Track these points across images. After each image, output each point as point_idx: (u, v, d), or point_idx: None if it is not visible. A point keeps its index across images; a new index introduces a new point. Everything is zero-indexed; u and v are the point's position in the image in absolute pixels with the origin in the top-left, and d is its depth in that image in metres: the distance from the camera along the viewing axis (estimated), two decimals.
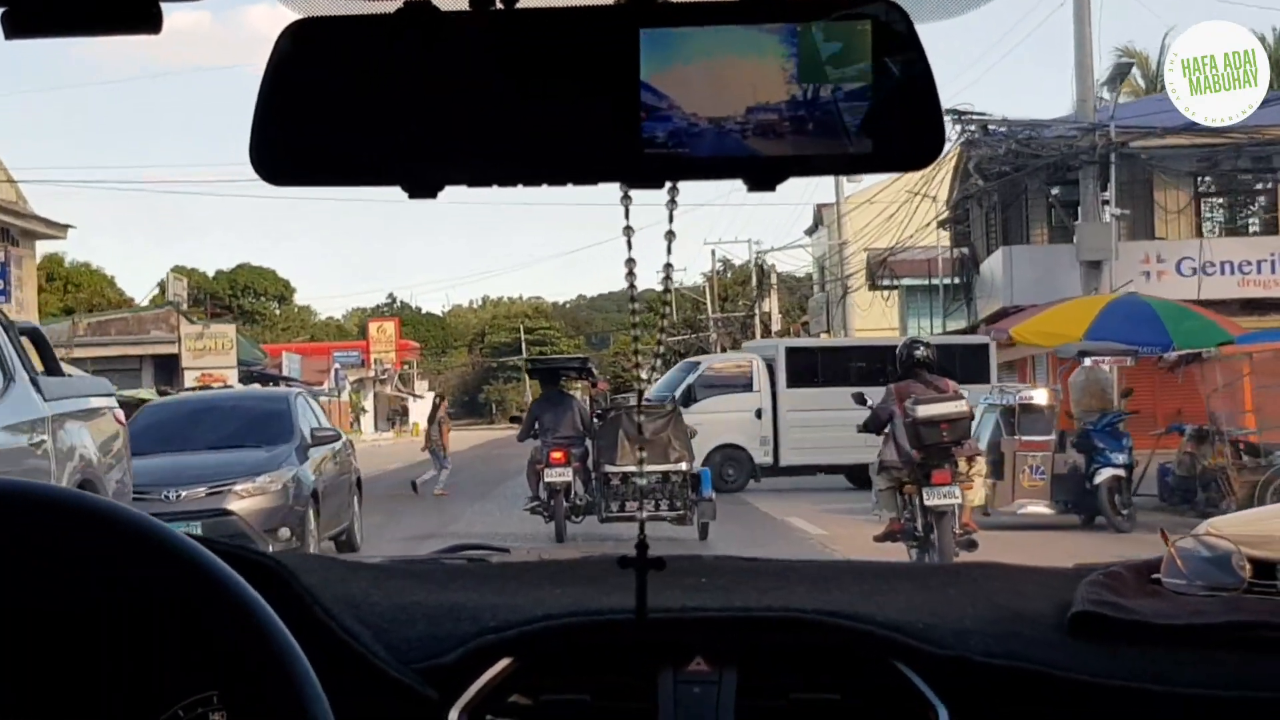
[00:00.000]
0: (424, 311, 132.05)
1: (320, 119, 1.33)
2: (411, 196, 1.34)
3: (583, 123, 1.30)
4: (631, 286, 1.43)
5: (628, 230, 1.39)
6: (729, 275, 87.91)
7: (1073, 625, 1.68)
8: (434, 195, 1.34)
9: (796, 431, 26.51)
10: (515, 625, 1.68)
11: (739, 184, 1.36)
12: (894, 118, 1.29)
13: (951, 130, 28.50)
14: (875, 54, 1.28)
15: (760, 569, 2.07)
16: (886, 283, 46.98)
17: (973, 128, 28.38)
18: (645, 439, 17.24)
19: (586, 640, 1.71)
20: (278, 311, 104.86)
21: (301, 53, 1.33)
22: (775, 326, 74.46)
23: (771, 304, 73.81)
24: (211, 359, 50.92)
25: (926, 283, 43.30)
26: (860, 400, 12.62)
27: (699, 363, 29.70)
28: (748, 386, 27.18)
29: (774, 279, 59.86)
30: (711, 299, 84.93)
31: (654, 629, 1.63)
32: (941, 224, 37.50)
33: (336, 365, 78.91)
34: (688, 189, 1.35)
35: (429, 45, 1.31)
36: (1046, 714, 1.61)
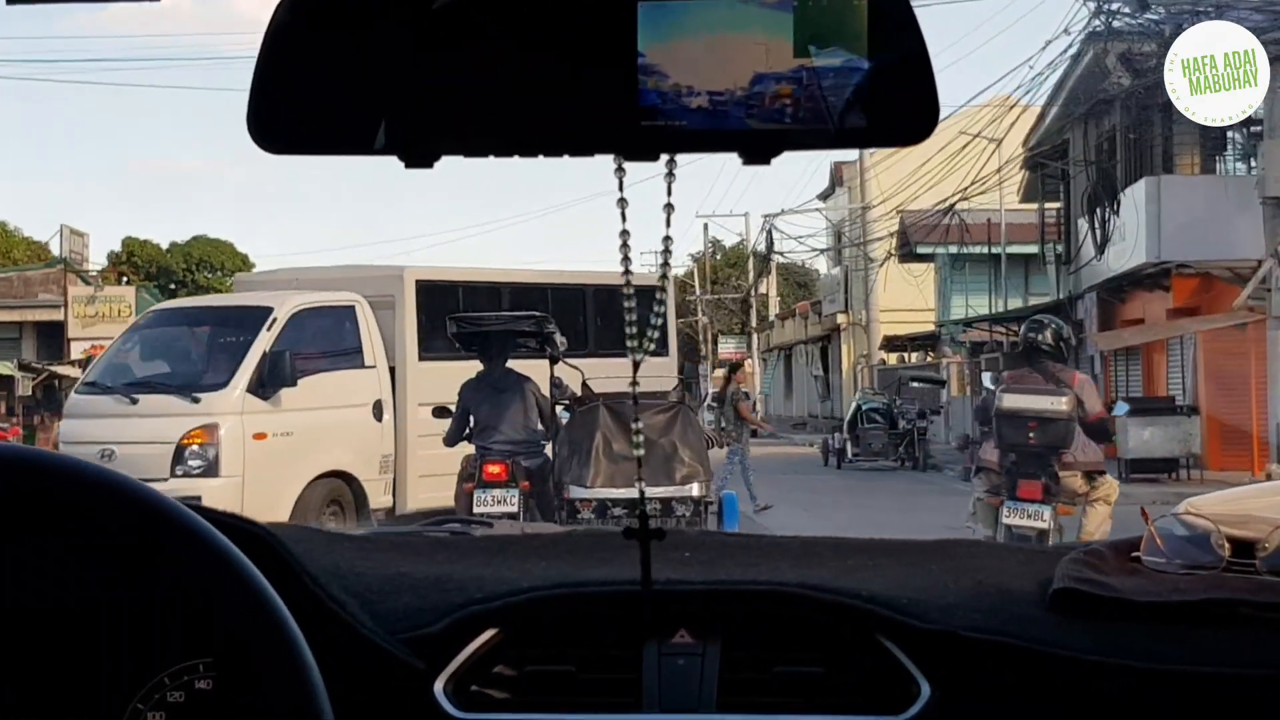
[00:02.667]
0: None
1: (317, 88, 1.33)
2: (408, 166, 1.34)
3: (579, 94, 1.30)
4: (626, 259, 1.43)
5: (622, 202, 1.40)
6: (718, 257, 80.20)
7: (1054, 602, 1.70)
8: (430, 165, 1.34)
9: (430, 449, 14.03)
10: (501, 596, 1.71)
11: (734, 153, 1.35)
12: (889, 92, 1.29)
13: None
14: (871, 28, 1.28)
15: (745, 544, 2.10)
16: (928, 250, 38.36)
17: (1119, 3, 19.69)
18: (637, 447, 9.12)
19: (572, 612, 1.73)
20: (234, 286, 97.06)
21: (299, 22, 1.32)
22: (774, 309, 66.87)
23: (770, 283, 65.83)
24: (105, 327, 42.35)
25: (983, 249, 34.47)
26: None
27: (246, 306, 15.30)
28: (357, 354, 15.03)
29: (772, 258, 50.88)
30: (700, 279, 77.26)
31: (634, 601, 1.67)
32: (1031, 165, 28.66)
33: None
34: (681, 156, 1.36)
35: (427, 15, 1.31)
36: (1028, 688, 1.62)
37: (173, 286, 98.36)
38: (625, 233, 1.42)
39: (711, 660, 1.67)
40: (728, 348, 70.23)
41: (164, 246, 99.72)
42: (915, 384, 33.47)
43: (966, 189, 29.30)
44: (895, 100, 1.29)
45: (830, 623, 1.68)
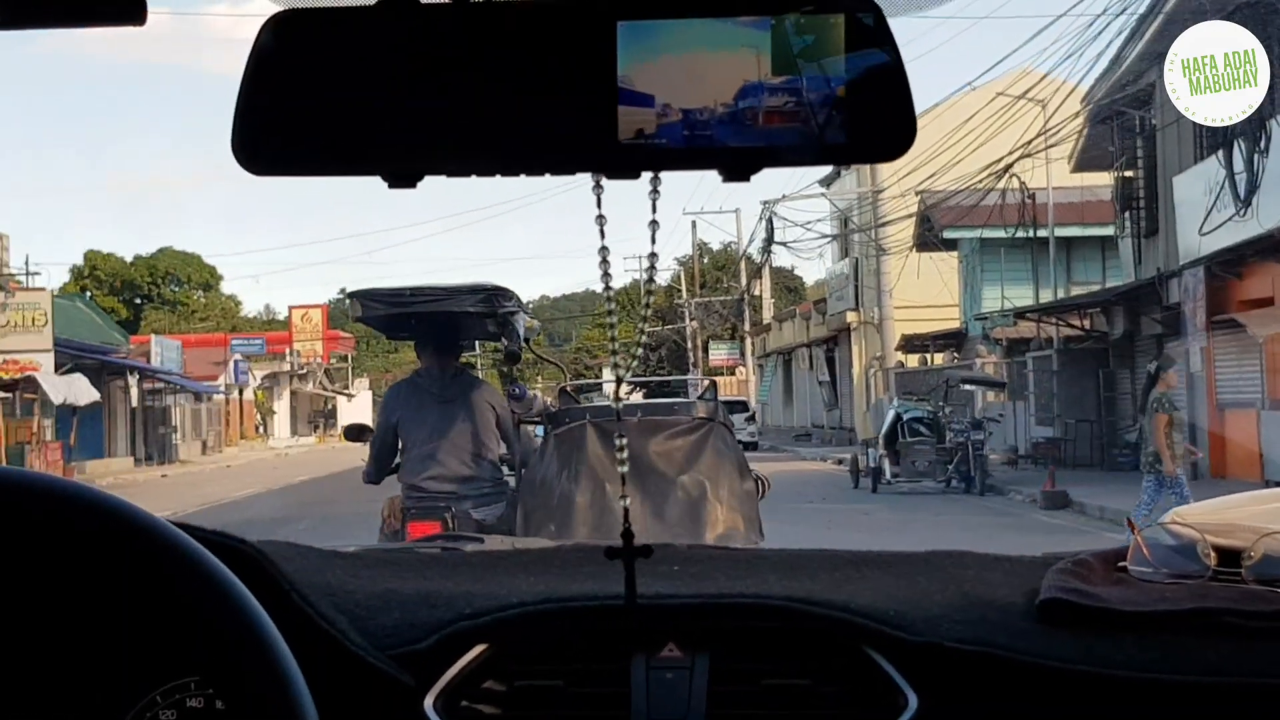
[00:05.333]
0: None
1: (301, 110, 1.34)
2: (391, 186, 1.35)
3: (560, 114, 1.31)
4: (606, 275, 1.45)
5: (600, 219, 1.43)
6: (706, 260, 75.97)
7: (1041, 612, 1.70)
8: (414, 185, 1.36)
9: None
10: (490, 612, 1.71)
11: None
12: (867, 109, 1.30)
13: None
14: (848, 47, 1.29)
15: (733, 557, 2.12)
16: (957, 234, 33.28)
17: None
18: (647, 489, 6.78)
19: (561, 627, 1.73)
20: (202, 300, 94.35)
21: (283, 44, 1.33)
22: (768, 312, 62.20)
23: (764, 283, 61.11)
24: (16, 339, 37.14)
25: (1018, 232, 29.30)
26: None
27: None
28: None
29: (772, 250, 45.80)
30: (688, 283, 72.83)
31: (622, 615, 1.67)
32: (1103, 119, 23.46)
33: (236, 357, 65.13)
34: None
35: (409, 37, 1.33)
36: (1015, 700, 1.63)
37: (137, 300, 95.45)
38: (604, 249, 1.45)
39: (700, 673, 1.69)
40: (719, 354, 66.35)
41: (129, 259, 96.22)
42: (968, 387, 28.20)
43: (1015, 154, 24.21)
44: (872, 116, 1.30)
45: (817, 635, 1.70)
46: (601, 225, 1.43)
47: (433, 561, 2.09)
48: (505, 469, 7.84)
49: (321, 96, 1.32)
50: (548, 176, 1.37)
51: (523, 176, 1.34)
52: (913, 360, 41.43)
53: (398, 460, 7.74)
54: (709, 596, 1.77)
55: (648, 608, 1.70)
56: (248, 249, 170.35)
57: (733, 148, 1.30)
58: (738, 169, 1.32)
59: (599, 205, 1.43)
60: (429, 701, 1.64)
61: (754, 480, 7.10)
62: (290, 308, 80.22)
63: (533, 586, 1.81)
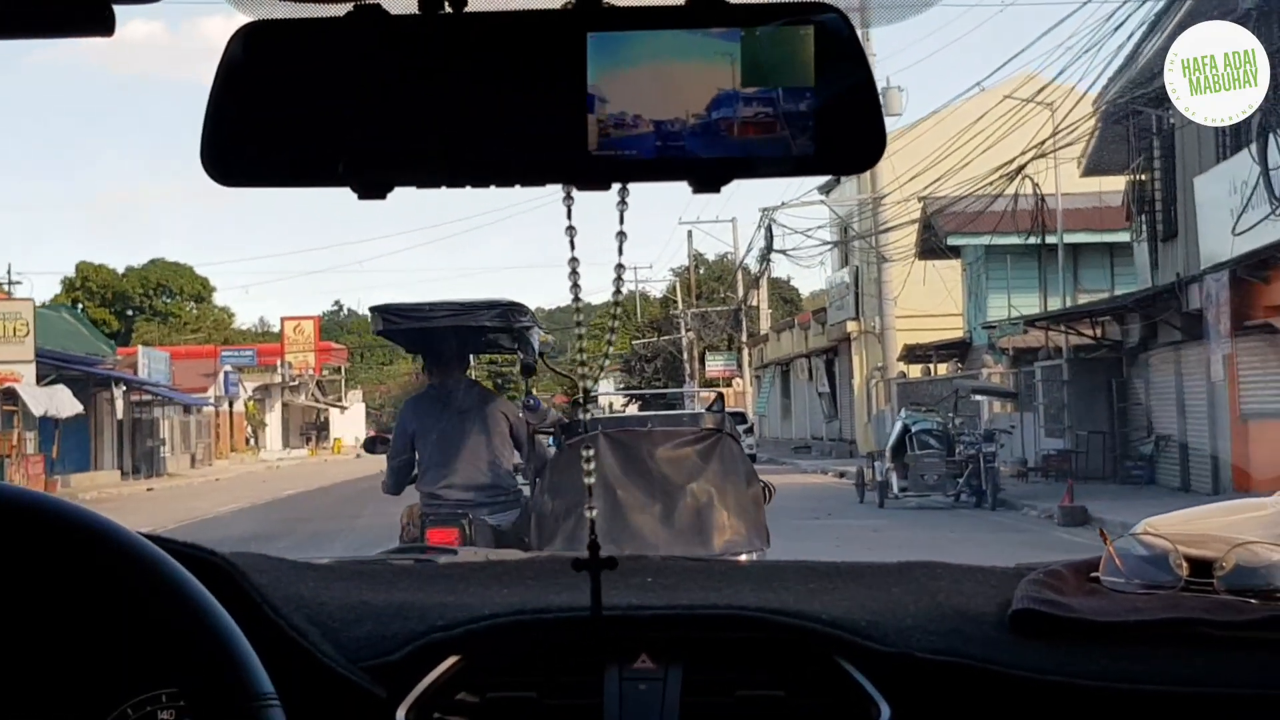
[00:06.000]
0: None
1: (271, 121, 1.33)
2: (361, 198, 1.34)
3: (531, 125, 1.31)
4: (575, 286, 1.46)
5: (570, 230, 1.42)
6: (702, 271, 75.31)
7: (1013, 623, 1.71)
8: (383, 196, 1.35)
9: None
10: (462, 624, 1.71)
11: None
12: (836, 121, 1.30)
13: None
14: (818, 59, 1.30)
15: (707, 569, 2.09)
16: (961, 241, 32.42)
17: None
18: (657, 497, 7.13)
19: (533, 638, 1.73)
20: (194, 312, 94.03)
21: (252, 56, 1.33)
22: (765, 322, 61.38)
23: (761, 293, 60.30)
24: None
25: (1031, 240, 28.44)
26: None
27: None
28: None
29: (771, 258, 44.96)
30: (684, 293, 72.14)
31: (601, 627, 1.66)
32: (1117, 119, 22.61)
33: (226, 368, 64.28)
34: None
35: (379, 48, 1.32)
36: (988, 710, 1.64)
37: (129, 312, 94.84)
38: (574, 260, 1.44)
39: (673, 684, 1.68)
40: (716, 365, 65.62)
41: (120, 271, 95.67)
42: (978, 397, 27.27)
43: (1028, 154, 23.30)
44: (842, 128, 1.30)
45: (791, 646, 1.69)
46: (572, 236, 1.43)
47: (405, 573, 2.08)
48: (519, 477, 8.23)
49: (291, 108, 1.32)
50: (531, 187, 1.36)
51: (493, 188, 1.34)
52: (915, 370, 40.49)
53: (412, 469, 8.13)
54: (682, 607, 1.76)
55: (619, 619, 1.70)
56: (238, 258, 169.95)
57: (703, 159, 1.30)
58: (708, 180, 1.33)
59: (569, 216, 1.42)
60: (401, 713, 1.63)
61: (761, 488, 7.43)
62: (282, 319, 79.53)
63: (506, 598, 1.80)
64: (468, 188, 1.33)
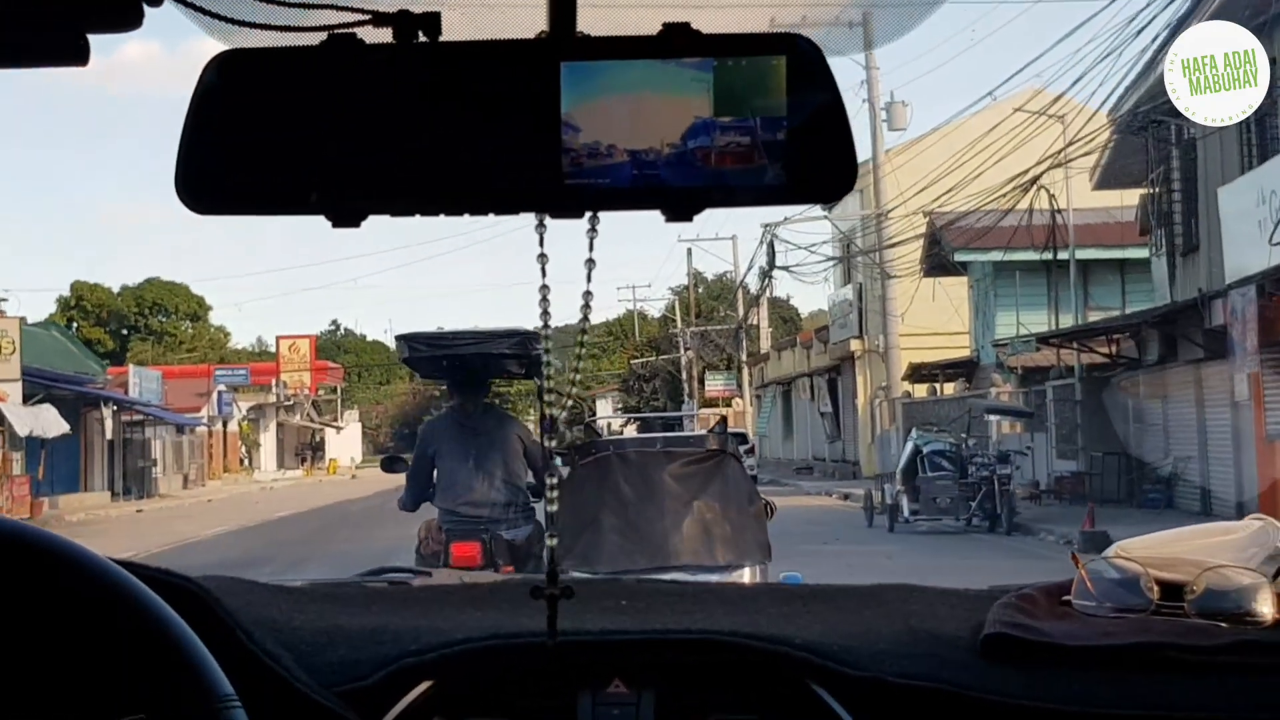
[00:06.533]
0: (370, 339, 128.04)
1: (245, 149, 1.33)
2: (335, 225, 1.34)
3: (505, 154, 1.31)
4: (545, 314, 1.47)
5: (542, 258, 1.43)
6: (700, 290, 74.76)
7: (985, 647, 1.70)
8: (358, 225, 1.35)
9: None
10: (436, 648, 1.70)
11: None
12: (808, 150, 1.31)
13: None
14: (790, 89, 1.31)
15: (680, 591, 2.09)
16: (969, 257, 31.67)
17: None
18: (666, 513, 7.68)
19: (506, 663, 1.73)
20: (190, 331, 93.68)
21: (227, 84, 1.33)
22: (766, 341, 60.63)
23: (762, 311, 59.57)
24: None
25: (1044, 255, 27.67)
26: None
27: None
28: None
29: (773, 276, 44.26)
30: (683, 312, 71.59)
31: (570, 652, 1.67)
32: (1135, 129, 21.84)
33: (220, 388, 63.50)
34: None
35: (354, 78, 1.33)
36: None
37: (124, 331, 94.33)
38: (545, 288, 1.45)
39: (646, 709, 1.69)
40: (715, 385, 64.99)
41: (115, 290, 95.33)
42: (993, 417, 26.41)
43: (1044, 165, 22.52)
44: (814, 158, 1.31)
45: (764, 670, 1.69)
46: (543, 264, 1.44)
47: (379, 596, 2.06)
48: (532, 495, 8.74)
49: (265, 136, 1.32)
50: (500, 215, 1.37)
51: (468, 216, 1.34)
52: (921, 390, 39.69)
53: (429, 486, 8.70)
54: (655, 632, 1.76)
55: (593, 643, 1.71)
56: (231, 274, 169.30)
57: (676, 188, 1.30)
58: (680, 209, 1.33)
59: (541, 244, 1.42)
60: None
61: (762, 505, 7.92)
62: (278, 338, 78.71)
63: (480, 622, 1.79)
64: (442, 216, 1.34)
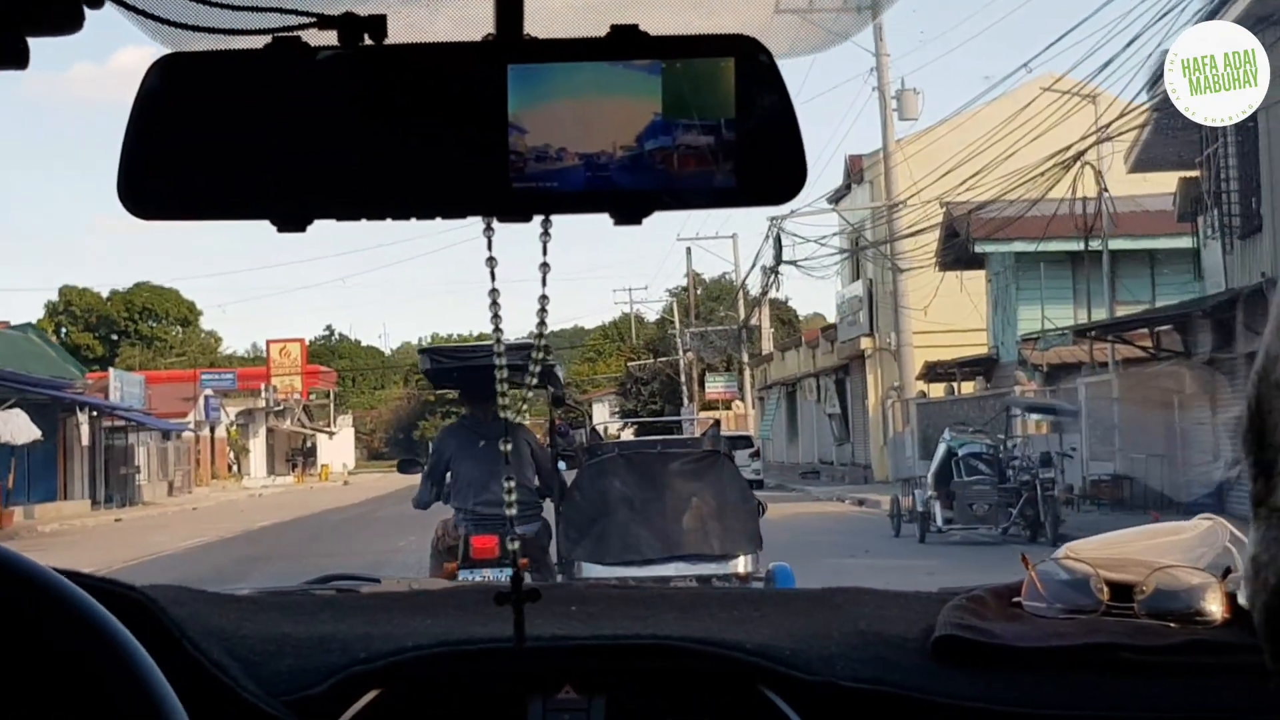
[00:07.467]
0: (364, 344, 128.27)
1: (188, 153, 1.33)
2: (280, 230, 1.34)
3: (451, 157, 1.31)
4: (496, 317, 1.48)
5: (490, 261, 1.43)
6: (700, 291, 73.25)
7: (936, 649, 1.71)
8: (303, 229, 1.35)
9: None
10: (384, 656, 1.69)
11: None
12: (758, 152, 1.32)
13: None
14: (739, 90, 1.31)
15: (631, 597, 2.11)
16: (990, 248, 29.98)
17: None
18: (666, 508, 9.21)
19: (455, 670, 1.72)
20: (180, 336, 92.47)
21: (170, 87, 1.33)
22: (768, 342, 58.93)
23: (763, 312, 57.83)
24: None
25: (1073, 246, 25.98)
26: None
27: None
28: None
29: (780, 271, 42.50)
30: (681, 313, 69.96)
31: (519, 658, 1.68)
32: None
33: (206, 392, 61.75)
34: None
35: (298, 80, 1.32)
36: None
37: (113, 336, 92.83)
38: (495, 291, 1.45)
39: (596, 715, 1.68)
40: (716, 387, 63.43)
41: (104, 295, 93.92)
42: (1035, 416, 24.54)
43: (1089, 139, 20.75)
44: (764, 160, 1.31)
45: (714, 675, 1.70)
46: (492, 268, 1.43)
47: (328, 604, 2.01)
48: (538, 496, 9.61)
49: (208, 140, 1.31)
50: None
51: (413, 220, 1.34)
52: (937, 389, 37.90)
53: (444, 488, 9.63)
54: (605, 637, 1.77)
55: (542, 649, 1.70)
56: (213, 272, 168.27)
57: (625, 190, 1.30)
58: (629, 212, 1.33)
59: (489, 248, 1.42)
60: None
61: (755, 502, 9.22)
62: (268, 341, 77.06)
63: (430, 629, 1.78)
64: (388, 220, 1.33)
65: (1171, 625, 1.75)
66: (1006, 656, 1.67)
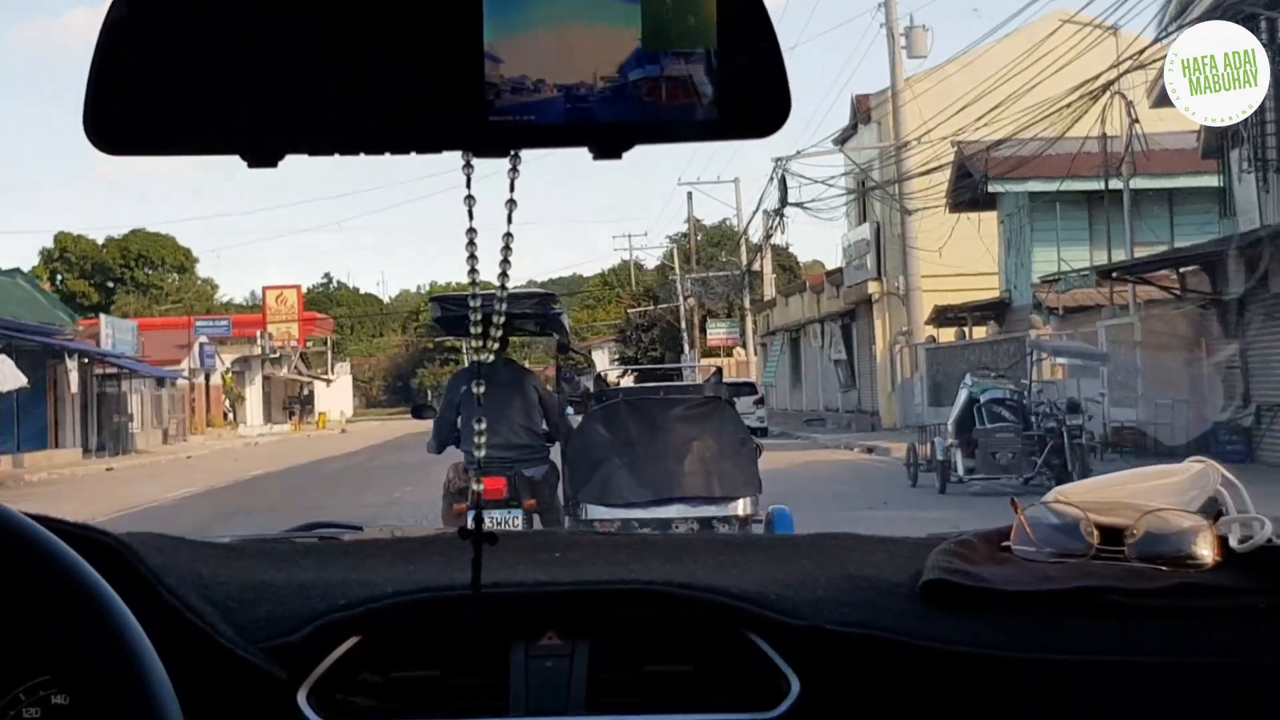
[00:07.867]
0: (363, 292, 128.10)
1: (156, 87, 1.30)
2: (251, 166, 1.32)
3: (425, 90, 1.28)
4: (472, 257, 1.46)
5: (469, 199, 1.41)
6: (700, 237, 72.32)
7: (924, 593, 1.70)
8: (274, 164, 1.33)
9: None
10: (364, 602, 1.69)
11: None
12: (740, 84, 1.30)
13: None
14: (720, 22, 1.28)
15: (616, 543, 2.10)
16: (1003, 188, 29.01)
17: None
18: (669, 452, 9.42)
19: (435, 616, 1.72)
20: (176, 283, 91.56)
21: (136, 18, 1.29)
22: (770, 288, 57.94)
23: (765, 256, 56.80)
24: None
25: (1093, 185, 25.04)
26: None
27: None
28: None
29: (785, 214, 41.48)
30: (682, 259, 69.01)
31: (501, 604, 1.68)
32: (1239, 14, 18.98)
33: (201, 339, 60.86)
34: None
35: (267, 10, 1.29)
36: (899, 681, 1.64)
37: (109, 284, 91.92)
38: (472, 230, 1.43)
39: (580, 661, 1.68)
40: (718, 333, 62.60)
41: (100, 242, 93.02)
42: (1062, 360, 23.63)
43: (1123, 66, 19.79)
44: (747, 92, 1.29)
45: (699, 620, 1.69)
46: (470, 206, 1.39)
47: (309, 551, 2.02)
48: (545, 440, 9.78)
49: (176, 72, 1.28)
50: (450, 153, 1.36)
51: (387, 155, 1.31)
52: (947, 334, 36.99)
53: (454, 432, 9.73)
54: (588, 582, 1.75)
55: (521, 595, 1.70)
56: (206, 215, 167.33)
57: (604, 123, 1.28)
58: (609, 146, 1.31)
59: (468, 185, 1.40)
60: (302, 695, 1.62)
61: (754, 446, 9.61)
62: (264, 288, 76.02)
63: (410, 575, 1.77)
64: (361, 155, 1.30)
65: (1162, 568, 1.74)
66: (995, 600, 1.67)
